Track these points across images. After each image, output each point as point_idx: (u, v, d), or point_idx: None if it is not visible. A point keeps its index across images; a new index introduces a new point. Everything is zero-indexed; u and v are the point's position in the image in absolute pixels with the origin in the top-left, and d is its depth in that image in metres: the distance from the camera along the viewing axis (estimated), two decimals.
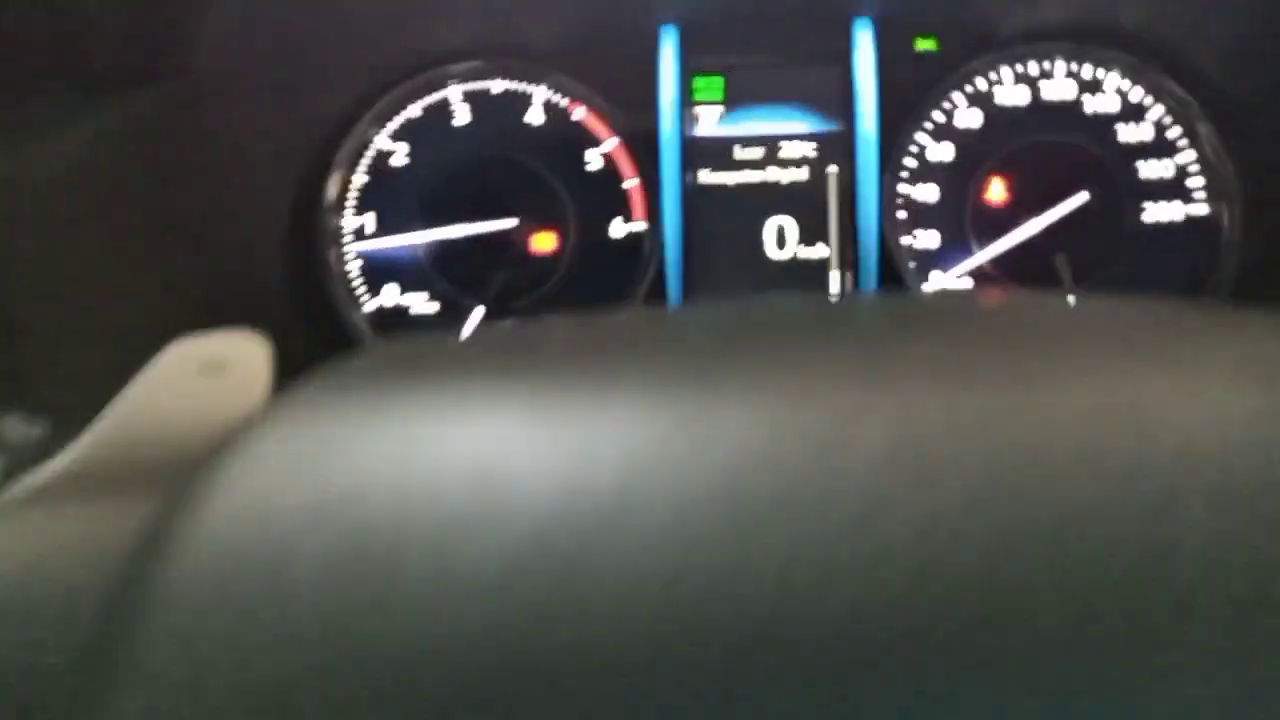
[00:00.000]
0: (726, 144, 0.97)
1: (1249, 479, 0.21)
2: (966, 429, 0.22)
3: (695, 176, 0.97)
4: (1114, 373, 0.24)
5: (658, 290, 0.96)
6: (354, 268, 0.98)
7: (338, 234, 0.98)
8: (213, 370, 0.42)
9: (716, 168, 0.97)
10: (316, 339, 0.95)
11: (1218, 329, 0.29)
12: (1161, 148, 0.94)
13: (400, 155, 0.98)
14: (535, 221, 0.98)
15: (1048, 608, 0.19)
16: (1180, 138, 0.94)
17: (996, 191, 0.96)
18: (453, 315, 0.98)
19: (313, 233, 0.96)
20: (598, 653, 0.20)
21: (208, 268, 0.86)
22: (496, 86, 0.98)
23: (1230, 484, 0.21)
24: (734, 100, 0.97)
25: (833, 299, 0.35)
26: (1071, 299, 0.35)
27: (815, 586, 0.20)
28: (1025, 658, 0.19)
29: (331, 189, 0.97)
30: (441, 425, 0.24)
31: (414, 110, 0.98)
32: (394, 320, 0.98)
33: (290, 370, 0.89)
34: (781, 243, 0.96)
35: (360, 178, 0.98)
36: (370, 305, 0.98)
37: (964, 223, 0.96)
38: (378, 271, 0.98)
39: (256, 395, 0.44)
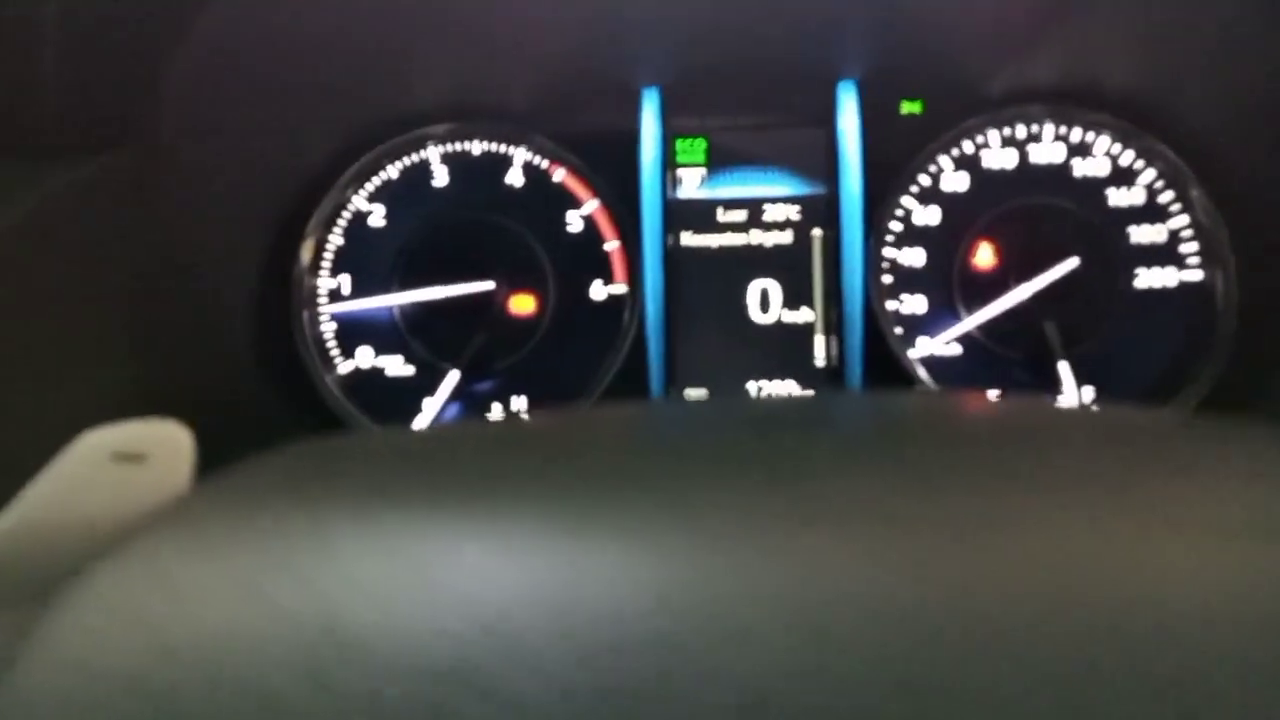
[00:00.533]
0: (709, 206, 0.95)
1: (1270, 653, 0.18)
2: (915, 585, 0.20)
3: (677, 239, 0.95)
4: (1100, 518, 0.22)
5: (638, 353, 0.94)
6: (328, 330, 0.96)
7: (312, 295, 0.96)
8: (129, 460, 0.40)
9: (699, 230, 0.95)
10: (288, 403, 0.93)
11: (1221, 458, 0.26)
12: (1153, 212, 0.92)
13: (377, 216, 0.97)
14: (514, 283, 0.96)
15: None
16: (1173, 202, 0.92)
17: (984, 256, 0.94)
18: (428, 378, 0.96)
19: (286, 294, 0.94)
20: None
21: (174, 332, 0.84)
22: (476, 148, 0.97)
23: (1247, 658, 0.18)
24: (717, 162, 0.95)
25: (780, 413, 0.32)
26: (1060, 406, 0.32)
27: None
28: None
29: (306, 250, 0.95)
30: (289, 568, 0.21)
31: (391, 171, 0.97)
32: (368, 383, 0.96)
33: (259, 438, 0.86)
34: (765, 306, 0.94)
35: (336, 239, 0.96)
36: (344, 368, 0.96)
37: (951, 288, 0.94)
38: (352, 334, 0.96)
39: (177, 486, 0.42)
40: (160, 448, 0.41)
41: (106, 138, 0.70)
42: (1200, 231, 0.91)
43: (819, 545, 0.20)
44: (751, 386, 0.94)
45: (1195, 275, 0.92)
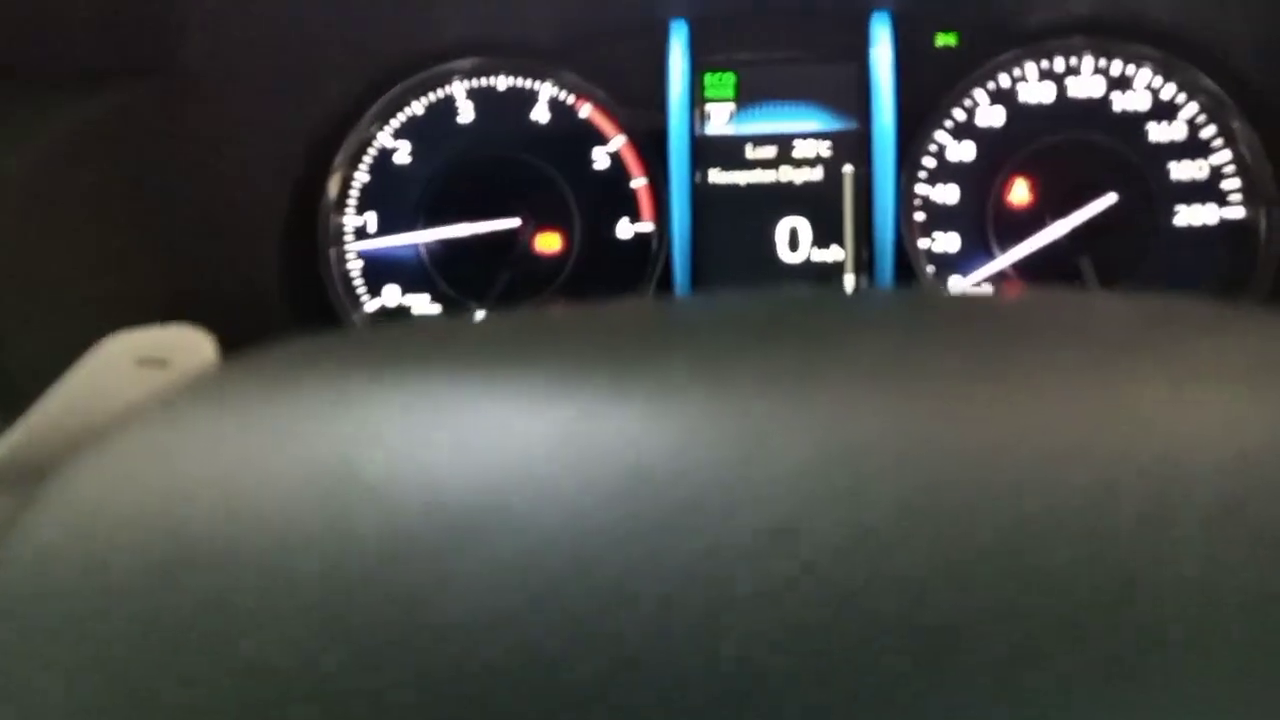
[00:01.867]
0: (738, 143, 0.93)
1: (1255, 494, 0.17)
2: (911, 433, 0.19)
3: (705, 176, 0.93)
4: (1099, 374, 0.21)
5: (664, 293, 0.93)
6: (354, 268, 0.96)
7: (338, 233, 0.95)
8: (153, 365, 0.40)
9: (727, 167, 0.94)
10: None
11: (1230, 329, 0.25)
12: (1195, 148, 0.90)
13: (403, 153, 0.96)
14: (540, 221, 0.95)
15: (996, 638, 0.16)
16: (1215, 137, 0.89)
17: (1019, 193, 0.92)
18: (454, 316, 0.95)
19: (312, 232, 0.94)
20: (458, 670, 0.17)
21: (201, 268, 0.84)
22: (501, 83, 0.96)
23: (1230, 499, 0.17)
24: (746, 97, 0.94)
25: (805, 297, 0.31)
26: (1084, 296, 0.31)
27: (722, 617, 0.17)
28: (967, 694, 0.16)
29: (332, 187, 0.95)
30: (298, 436, 0.21)
31: (417, 107, 0.96)
32: (394, 321, 0.96)
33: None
34: (795, 245, 0.93)
35: (362, 176, 0.96)
36: (371, 306, 0.96)
37: (985, 225, 0.92)
38: (379, 272, 0.96)
39: None
40: (183, 353, 0.41)
41: (134, 67, 0.70)
42: (1243, 168, 0.89)
43: (842, 390, 0.19)
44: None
45: (1237, 213, 0.89)
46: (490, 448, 0.20)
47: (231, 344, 0.81)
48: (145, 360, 0.40)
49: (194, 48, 0.75)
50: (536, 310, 0.33)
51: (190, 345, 0.41)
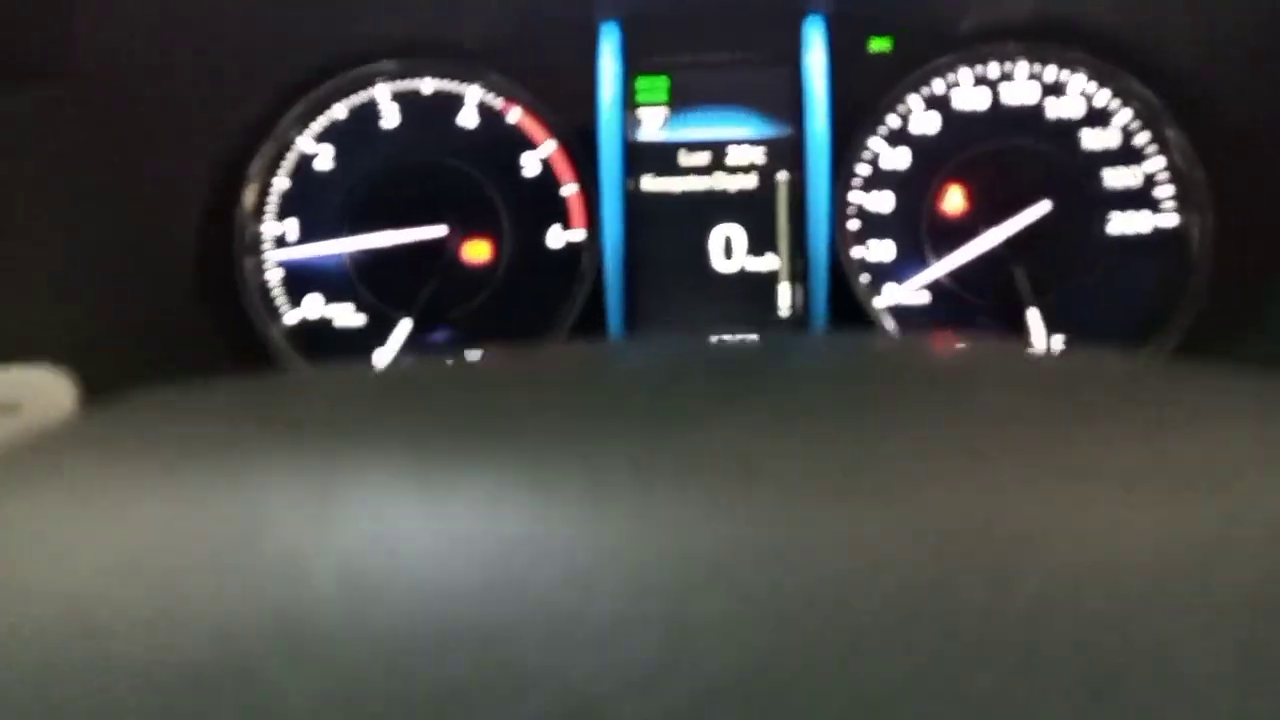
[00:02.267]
0: (671, 149, 0.91)
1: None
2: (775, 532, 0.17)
3: (638, 183, 0.91)
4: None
5: (596, 303, 0.90)
6: (274, 277, 0.93)
7: (256, 242, 0.92)
8: (4, 410, 0.37)
9: (660, 173, 0.91)
10: (233, 356, 0.89)
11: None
12: (1128, 155, 0.89)
13: (325, 159, 0.93)
14: (467, 229, 0.92)
15: None
16: (1149, 144, 0.89)
17: (954, 200, 0.90)
18: (379, 327, 0.92)
19: (229, 240, 0.91)
20: None
21: (110, 282, 0.80)
22: (427, 86, 0.93)
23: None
24: (679, 102, 0.91)
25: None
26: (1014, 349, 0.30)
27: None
28: None
29: (250, 194, 0.91)
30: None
31: (339, 111, 0.92)
32: (316, 333, 0.93)
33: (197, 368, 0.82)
34: (729, 253, 0.91)
35: (282, 182, 0.92)
36: (291, 317, 0.93)
37: (920, 233, 0.91)
38: (299, 282, 0.93)
39: None
40: (37, 397, 0.38)
41: (28, 68, 0.66)
42: (1177, 175, 0.88)
43: (686, 494, 0.17)
44: (713, 337, 0.91)
45: (1170, 220, 0.89)
46: (323, 535, 0.18)
47: (144, 363, 0.77)
48: None
49: (88, 48, 0.71)
50: (424, 362, 0.30)
51: (46, 389, 0.38)
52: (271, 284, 0.92)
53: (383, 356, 0.92)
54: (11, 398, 0.37)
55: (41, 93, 0.70)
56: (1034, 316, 0.87)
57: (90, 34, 0.69)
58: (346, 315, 0.93)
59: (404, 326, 0.91)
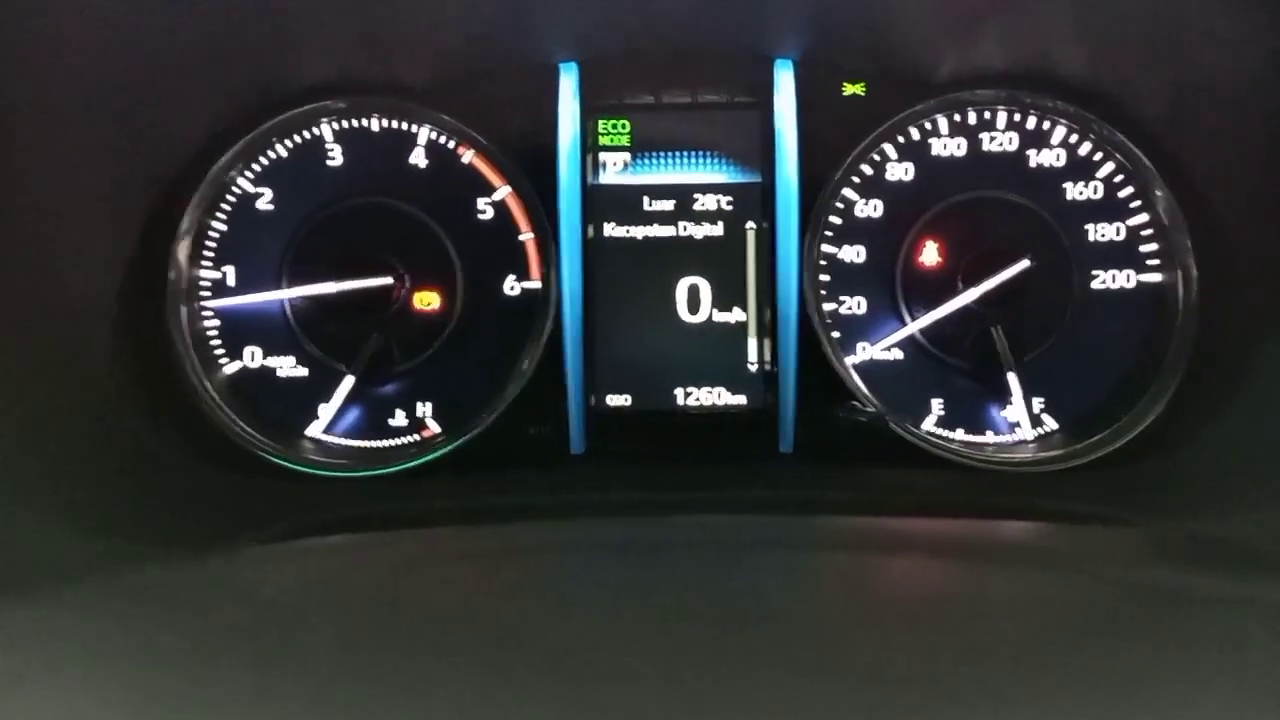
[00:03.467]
0: (633, 193, 0.86)
1: None
2: None
3: (599, 229, 0.86)
4: None
5: (554, 357, 0.85)
6: (210, 327, 0.87)
7: (192, 288, 0.86)
8: None
9: (622, 221, 0.86)
10: (165, 412, 0.83)
11: None
12: (1112, 209, 0.85)
13: (265, 200, 0.87)
14: (418, 277, 0.87)
15: None
16: (1132, 198, 0.85)
17: (930, 254, 0.86)
18: (323, 380, 0.87)
19: (161, 287, 0.85)
20: None
21: (34, 336, 0.74)
22: (375, 124, 0.87)
23: None
24: (641, 145, 0.87)
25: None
26: None
27: None
28: None
29: (184, 238, 0.85)
30: None
31: (281, 150, 0.87)
32: (256, 386, 0.87)
33: (130, 447, 0.76)
34: (695, 305, 0.86)
35: (219, 225, 0.87)
36: (230, 368, 0.87)
37: (894, 288, 0.87)
38: (238, 331, 0.87)
39: None
40: None
41: None
42: (1161, 231, 0.85)
43: None
44: (679, 393, 0.86)
45: (1154, 277, 0.85)
46: None
47: (72, 429, 0.71)
48: None
49: (14, 76, 0.65)
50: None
51: None
52: (209, 332, 0.87)
53: (327, 411, 0.87)
54: None
55: None
56: (1013, 381, 0.83)
57: (19, 55, 0.63)
58: (288, 367, 0.87)
59: (346, 384, 0.86)
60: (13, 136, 0.66)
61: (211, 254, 0.87)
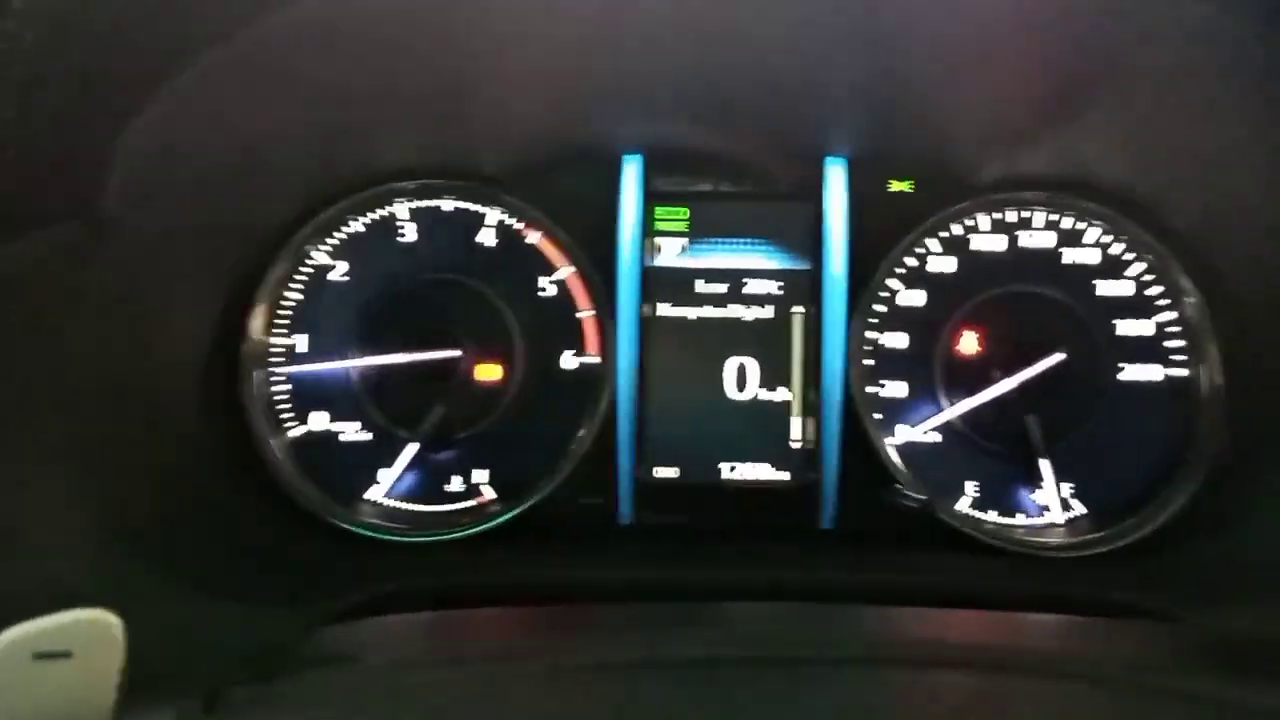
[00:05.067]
0: (688, 276, 0.91)
1: None
2: None
3: (654, 309, 0.91)
4: None
5: (608, 428, 0.90)
6: (281, 391, 0.91)
7: (265, 354, 0.90)
8: (54, 657, 0.35)
9: (677, 301, 0.91)
10: (235, 473, 0.87)
11: None
12: (1141, 305, 0.90)
13: (339, 272, 0.92)
14: (481, 350, 0.92)
15: None
16: (1161, 296, 0.90)
17: (969, 343, 0.91)
18: (386, 446, 0.91)
19: (238, 353, 0.89)
20: None
21: (122, 400, 0.78)
22: (447, 205, 0.92)
23: None
24: (697, 231, 0.92)
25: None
26: None
27: None
28: None
29: (261, 307, 0.90)
30: None
31: (357, 226, 0.92)
32: (320, 449, 0.91)
33: (202, 505, 0.80)
34: (742, 384, 0.91)
35: (295, 294, 0.91)
36: (295, 432, 0.91)
37: (933, 374, 0.91)
38: (307, 396, 0.91)
39: (108, 681, 0.37)
40: (87, 641, 0.37)
41: (49, 214, 0.65)
42: (1187, 327, 0.89)
43: None
44: (724, 467, 0.90)
45: (1180, 371, 0.90)
46: None
47: (153, 486, 0.75)
48: (44, 654, 0.36)
49: (116, 185, 0.70)
50: None
51: (95, 631, 0.37)
52: (278, 397, 0.91)
53: (388, 476, 0.91)
54: (62, 644, 0.36)
55: (56, 235, 0.68)
56: (1046, 467, 0.88)
57: (124, 170, 0.68)
58: (352, 432, 0.91)
59: (409, 450, 0.90)
60: (124, 219, 0.71)
61: (286, 322, 0.91)
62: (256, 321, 0.90)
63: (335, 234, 0.91)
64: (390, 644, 0.61)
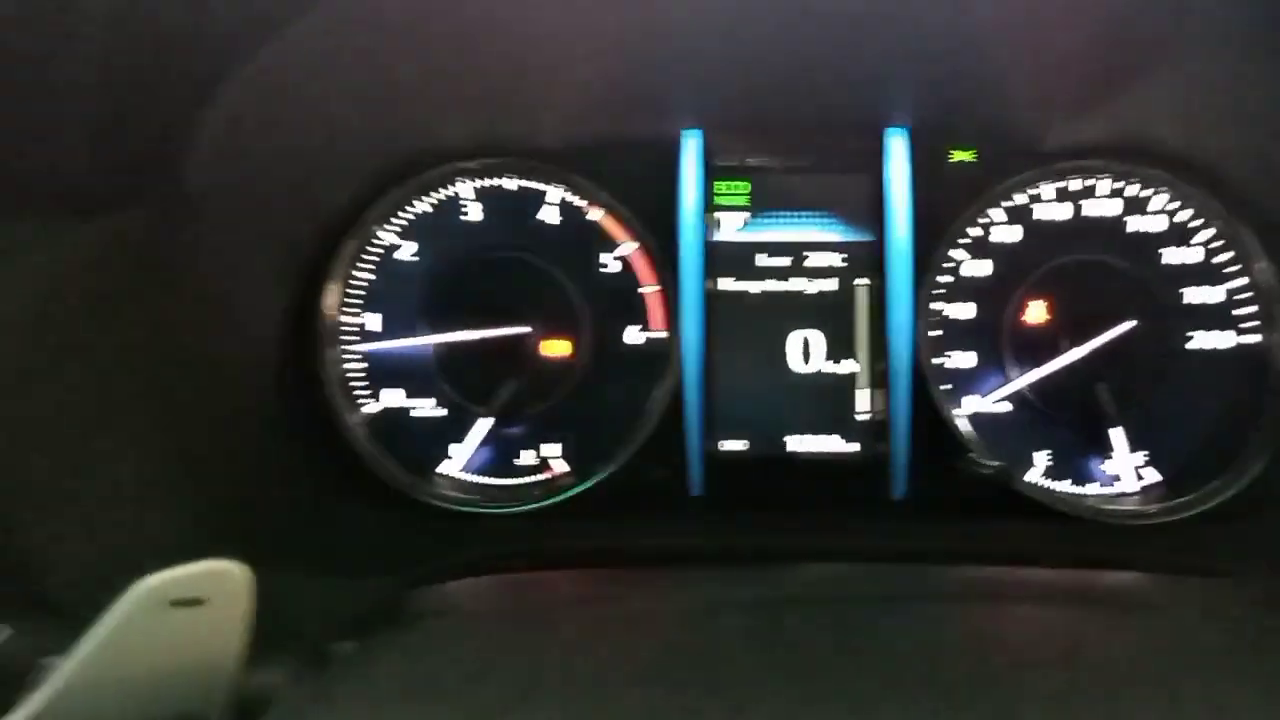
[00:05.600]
0: (750, 250, 0.92)
1: None
2: None
3: (716, 284, 0.91)
4: None
5: (675, 402, 0.91)
6: (356, 368, 0.93)
7: (337, 333, 0.93)
8: (189, 604, 0.37)
9: (739, 276, 0.92)
10: (313, 448, 0.90)
11: None
12: (1210, 273, 0.89)
13: (407, 252, 0.93)
14: (548, 326, 0.93)
15: None
16: (1230, 263, 0.89)
17: (1036, 313, 0.91)
18: (458, 421, 0.93)
19: (313, 332, 0.91)
20: None
21: (202, 376, 0.81)
22: (510, 183, 0.94)
23: None
24: (758, 205, 0.92)
25: None
26: None
27: None
28: None
29: (333, 286, 0.92)
30: None
31: (423, 206, 0.93)
32: (395, 425, 0.93)
33: (282, 479, 0.82)
34: (807, 356, 0.91)
35: (365, 274, 0.93)
36: (371, 408, 0.93)
37: (1001, 344, 0.91)
38: (381, 373, 0.93)
39: (236, 628, 0.39)
40: (218, 589, 0.38)
41: (128, 193, 0.67)
42: (1259, 293, 0.89)
43: None
44: (792, 439, 0.91)
45: (1252, 338, 0.89)
46: None
47: (231, 458, 0.77)
48: (180, 600, 0.37)
49: (193, 166, 0.72)
50: None
51: (226, 581, 0.38)
52: (353, 374, 0.93)
53: (461, 452, 0.92)
54: (194, 592, 0.38)
55: (135, 215, 0.70)
56: (1118, 436, 0.87)
57: (201, 151, 0.70)
58: (426, 408, 0.93)
59: (482, 425, 0.92)
60: (204, 202, 0.73)
61: (359, 301, 0.93)
62: (330, 299, 0.92)
63: (401, 214, 0.93)
64: (483, 599, 0.63)
